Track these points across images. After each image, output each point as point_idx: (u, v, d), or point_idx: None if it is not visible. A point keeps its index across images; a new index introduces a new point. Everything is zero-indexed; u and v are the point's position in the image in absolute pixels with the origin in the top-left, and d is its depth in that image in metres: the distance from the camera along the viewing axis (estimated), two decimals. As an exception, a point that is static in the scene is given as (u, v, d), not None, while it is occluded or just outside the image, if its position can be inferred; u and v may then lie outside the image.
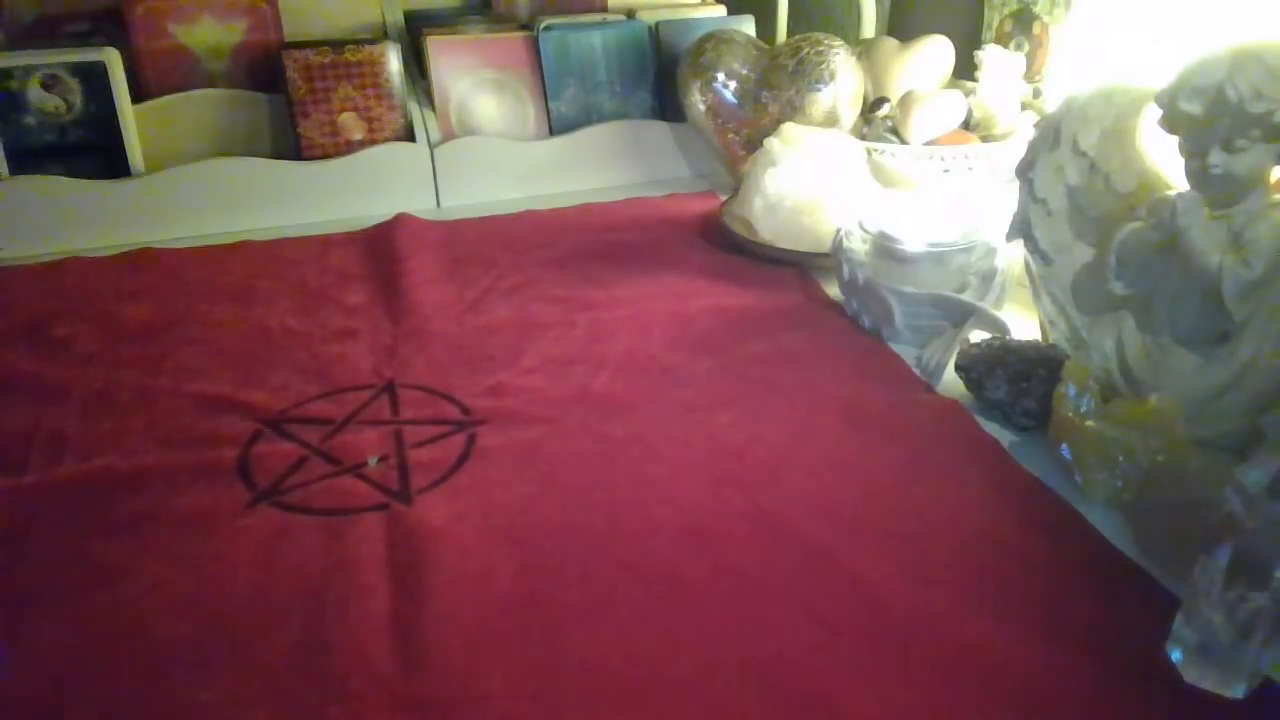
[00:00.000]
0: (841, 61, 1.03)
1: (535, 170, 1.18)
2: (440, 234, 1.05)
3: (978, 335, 0.74)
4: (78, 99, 1.03)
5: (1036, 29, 1.02)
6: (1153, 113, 0.63)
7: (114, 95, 1.03)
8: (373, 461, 0.64)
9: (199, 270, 0.96)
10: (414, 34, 1.24)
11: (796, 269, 0.94)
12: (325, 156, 1.11)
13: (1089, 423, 0.59)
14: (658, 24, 1.23)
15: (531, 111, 1.19)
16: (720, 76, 1.07)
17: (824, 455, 0.64)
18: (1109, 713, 0.45)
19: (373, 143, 1.13)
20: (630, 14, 1.27)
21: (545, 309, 0.87)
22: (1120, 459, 0.58)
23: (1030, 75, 1.02)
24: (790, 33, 1.40)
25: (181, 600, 0.52)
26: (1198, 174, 0.61)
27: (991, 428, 0.67)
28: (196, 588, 0.53)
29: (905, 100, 1.00)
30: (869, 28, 1.28)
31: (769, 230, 0.96)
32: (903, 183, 0.98)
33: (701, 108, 1.09)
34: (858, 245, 0.84)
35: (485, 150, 1.16)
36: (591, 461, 0.64)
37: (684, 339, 0.81)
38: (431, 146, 1.14)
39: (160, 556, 0.55)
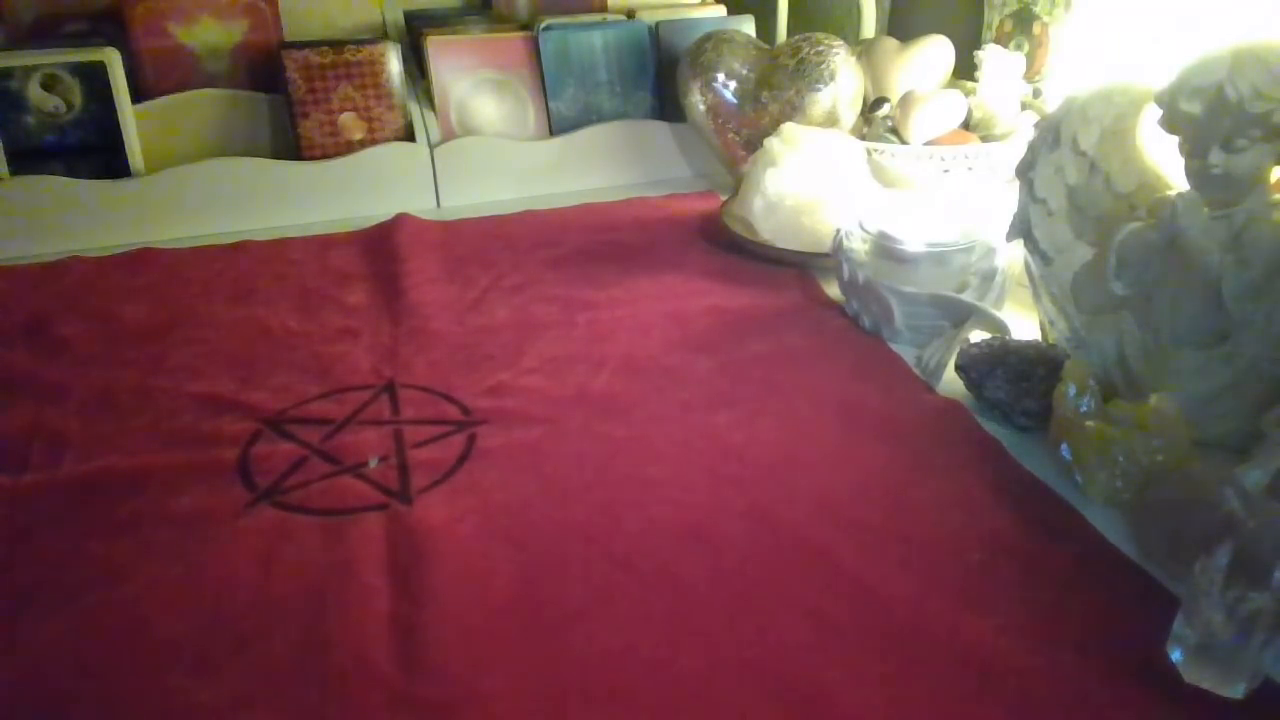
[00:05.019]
0: (841, 61, 1.03)
1: (535, 170, 1.18)
2: (440, 234, 1.05)
3: (978, 335, 0.74)
4: (78, 99, 1.03)
5: (1036, 29, 1.02)
6: (1153, 113, 0.63)
7: (114, 95, 1.03)
8: (373, 463, 0.64)
9: (199, 270, 0.96)
10: (414, 34, 1.24)
11: (796, 269, 0.94)
12: (325, 156, 1.11)
13: (1089, 423, 0.59)
14: (658, 24, 1.23)
15: (531, 111, 1.19)
16: (720, 76, 1.07)
17: (824, 455, 0.64)
18: (1109, 713, 0.45)
19: (373, 143, 1.13)
20: (630, 14, 1.27)
21: (545, 309, 0.87)
22: (1120, 459, 0.58)
23: (1030, 75, 1.02)
24: (790, 33, 1.40)
25: (181, 600, 0.52)
26: (1198, 174, 0.61)
27: (991, 428, 0.67)
28: (196, 588, 0.53)
29: (905, 100, 1.00)
30: (869, 28, 1.28)
31: (769, 230, 0.96)
32: (903, 183, 0.98)
33: (701, 108, 1.09)
34: (858, 245, 0.84)
35: (485, 150, 1.16)
36: (591, 461, 0.64)
37: (684, 339, 0.80)
38: (431, 146, 1.14)
39: (160, 556, 0.55)
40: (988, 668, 0.47)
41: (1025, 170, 0.73)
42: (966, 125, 1.00)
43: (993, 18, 1.08)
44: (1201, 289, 0.61)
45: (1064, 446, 0.61)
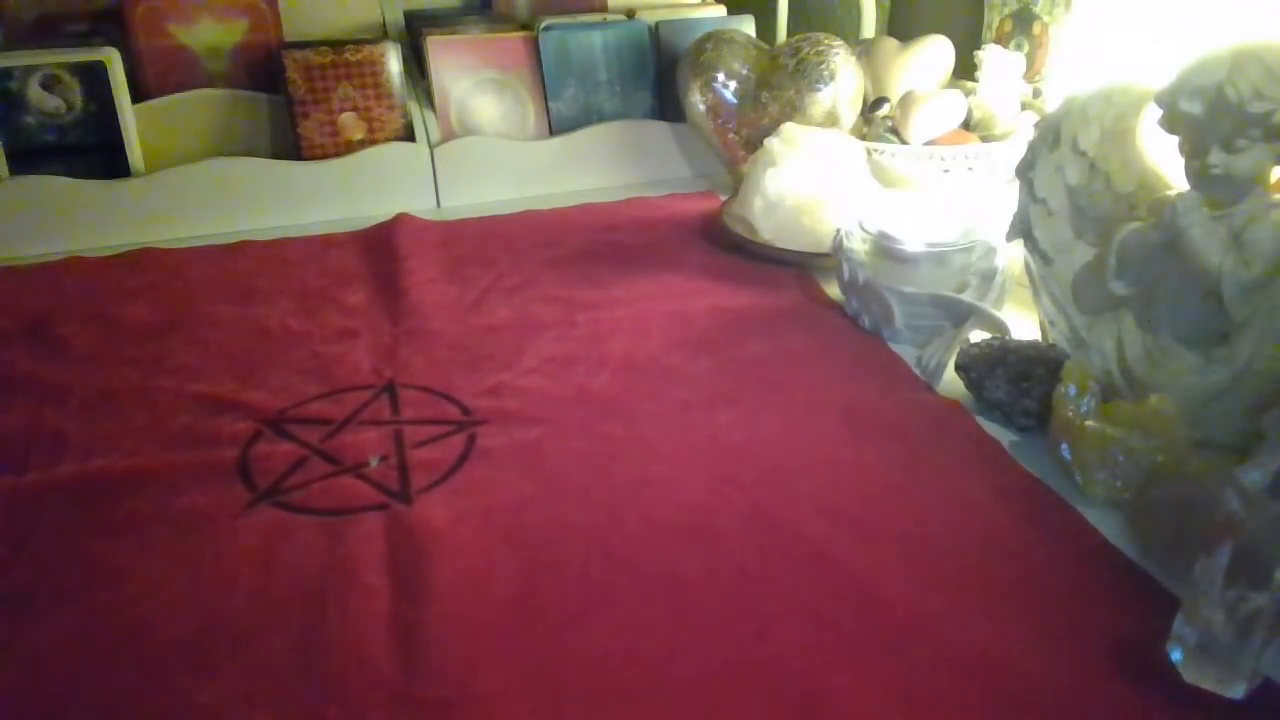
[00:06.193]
0: (841, 61, 1.03)
1: (535, 170, 1.18)
2: (440, 234, 1.05)
3: (978, 335, 0.74)
4: (78, 99, 1.03)
5: (1036, 29, 1.02)
6: (1153, 113, 0.63)
7: (114, 95, 1.03)
8: (373, 462, 0.64)
9: (199, 270, 0.96)
10: (414, 34, 1.24)
11: (796, 269, 0.94)
12: (325, 156, 1.11)
13: (1089, 423, 0.59)
14: (658, 24, 1.23)
15: (531, 111, 1.19)
16: (720, 76, 1.07)
17: (824, 455, 0.64)
18: (1109, 713, 0.45)
19: (373, 143, 1.13)
20: (630, 14, 1.27)
21: (545, 309, 0.87)
22: (1120, 459, 0.58)
23: (1030, 75, 1.02)
24: (790, 33, 1.40)
25: (181, 600, 0.52)
26: (1198, 174, 0.61)
27: (991, 428, 0.67)
28: (196, 588, 0.53)
29: (905, 100, 1.00)
30: (869, 28, 1.28)
31: (769, 230, 0.96)
32: (903, 183, 0.98)
33: (701, 108, 1.09)
34: (858, 245, 0.84)
35: (485, 150, 1.16)
36: (591, 461, 0.64)
37: (684, 339, 0.80)
38: (431, 146, 1.14)
39: (160, 556, 0.55)
40: (987, 667, 0.47)
41: (1025, 170, 0.73)
42: (966, 125, 1.00)
43: (993, 18, 1.08)
44: (1201, 289, 0.61)
45: (1064, 446, 0.61)
